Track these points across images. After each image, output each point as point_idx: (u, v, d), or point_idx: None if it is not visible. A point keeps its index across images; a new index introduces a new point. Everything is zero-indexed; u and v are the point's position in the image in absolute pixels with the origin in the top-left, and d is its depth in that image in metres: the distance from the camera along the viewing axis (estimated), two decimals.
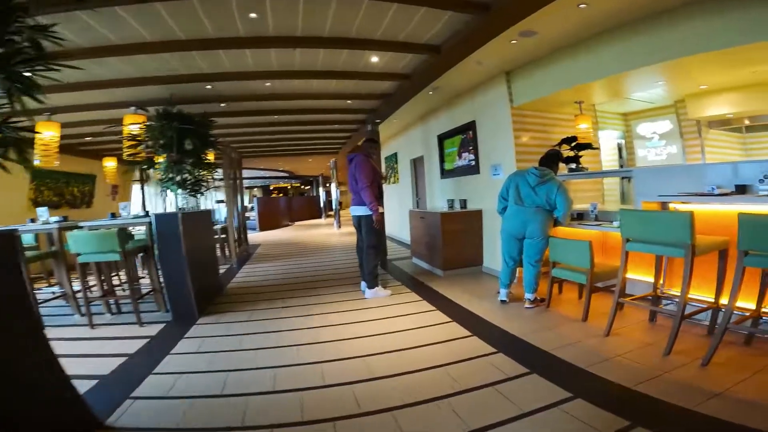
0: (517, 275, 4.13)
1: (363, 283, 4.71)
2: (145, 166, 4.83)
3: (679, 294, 3.29)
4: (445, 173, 6.98)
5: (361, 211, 4.59)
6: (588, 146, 4.75)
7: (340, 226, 14.50)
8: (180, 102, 5.18)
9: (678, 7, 3.20)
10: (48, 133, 4.87)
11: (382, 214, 4.74)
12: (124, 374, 2.84)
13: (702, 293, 3.02)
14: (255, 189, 28.68)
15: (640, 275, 3.63)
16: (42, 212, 4.92)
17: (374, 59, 4.62)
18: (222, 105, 5.99)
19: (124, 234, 3.87)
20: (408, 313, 3.97)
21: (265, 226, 15.65)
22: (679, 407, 2.03)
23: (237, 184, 8.47)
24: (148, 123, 4.77)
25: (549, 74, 4.51)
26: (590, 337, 3.06)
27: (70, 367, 2.08)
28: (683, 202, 3.18)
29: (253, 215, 15.91)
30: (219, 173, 7.46)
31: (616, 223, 3.58)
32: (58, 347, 2.21)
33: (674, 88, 5.48)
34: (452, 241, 5.50)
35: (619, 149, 6.99)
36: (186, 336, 3.60)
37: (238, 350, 3.23)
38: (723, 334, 2.43)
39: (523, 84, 4.88)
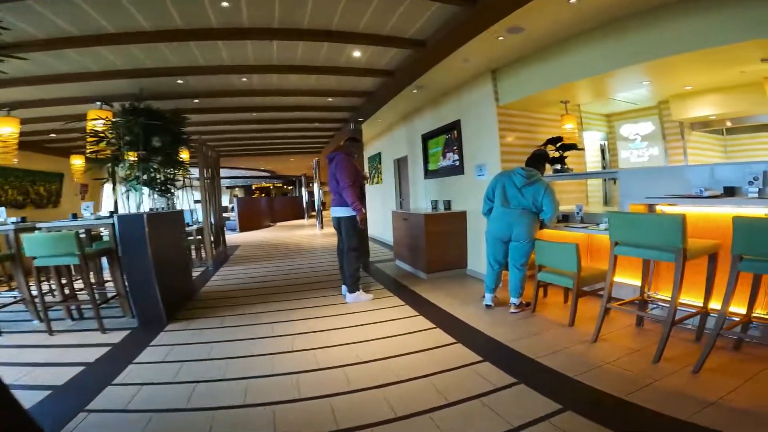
0: (502, 279, 4.02)
1: (344, 287, 4.53)
2: (109, 164, 4.53)
3: (665, 298, 3.25)
4: (429, 173, 6.87)
5: (342, 212, 4.40)
6: (573, 147, 4.69)
7: (322, 227, 14.32)
8: (150, 97, 4.92)
9: (671, 3, 3.13)
10: (6, 129, 4.58)
11: (365, 214, 4.57)
12: (79, 385, 2.64)
13: (689, 297, 2.96)
14: (236, 189, 28.14)
15: (625, 278, 3.57)
16: None
17: (356, 54, 4.45)
18: (196, 101, 5.71)
19: (80, 236, 3.60)
20: (390, 318, 3.81)
21: (245, 226, 15.31)
22: (673, 418, 1.95)
23: (214, 184, 8.16)
24: (114, 119, 4.49)
25: (535, 73, 4.43)
26: (578, 343, 2.96)
27: (21, 376, 1.90)
28: (670, 204, 3.11)
29: (233, 216, 15.56)
30: (196, 173, 7.14)
31: (602, 226, 3.50)
32: (13, 355, 1.99)
33: (659, 89, 5.48)
34: (436, 243, 5.38)
35: (602, 151, 6.99)
36: (152, 344, 3.37)
37: (207, 359, 3.02)
38: (715, 340, 2.35)
39: (509, 83, 4.79)
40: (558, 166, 4.65)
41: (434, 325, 3.53)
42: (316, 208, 15.88)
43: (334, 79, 5.33)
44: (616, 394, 2.20)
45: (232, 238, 12.40)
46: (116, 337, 3.55)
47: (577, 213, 3.96)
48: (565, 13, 3.34)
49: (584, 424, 1.96)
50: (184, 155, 6.73)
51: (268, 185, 29.52)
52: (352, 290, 4.42)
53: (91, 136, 4.46)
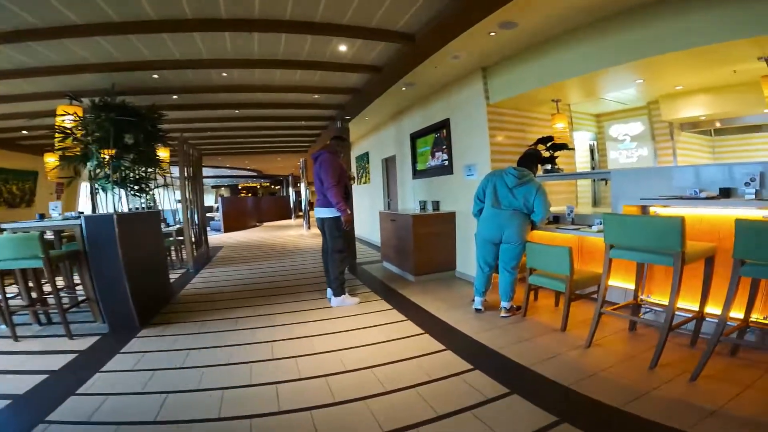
0: (492, 282, 3.90)
1: (329, 290, 4.37)
2: (77, 162, 4.27)
3: (659, 302, 3.17)
4: (417, 173, 6.74)
5: (326, 213, 4.22)
6: (564, 146, 4.61)
7: (309, 227, 14.10)
8: (124, 92, 4.67)
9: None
10: None
11: (351, 215, 4.40)
12: (41, 394, 2.47)
13: (684, 301, 2.87)
14: (222, 188, 27.67)
15: (616, 281, 3.48)
16: None
17: (342, 48, 4.28)
18: (174, 97, 5.48)
19: (44, 238, 3.36)
20: (377, 323, 3.66)
21: (230, 227, 14.98)
22: (675, 429, 1.84)
23: (196, 183, 7.90)
24: (86, 115, 4.24)
25: (526, 71, 4.32)
26: (571, 349, 2.86)
27: None
28: (665, 206, 3.03)
29: (218, 216, 15.21)
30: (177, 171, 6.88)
31: (595, 228, 3.41)
32: None
33: (650, 88, 5.43)
34: (424, 244, 5.25)
35: (591, 151, 6.95)
36: (122, 351, 3.16)
37: (181, 368, 2.83)
38: (715, 346, 2.25)
39: (499, 81, 4.68)
40: (548, 166, 4.56)
41: (422, 331, 3.39)
42: (303, 208, 15.63)
43: (320, 74, 5.15)
44: (613, 404, 2.09)
45: (215, 238, 12.10)
46: (84, 343, 3.34)
47: (569, 214, 3.87)
48: (560, 6, 3.22)
49: None
50: (164, 153, 6.48)
51: (255, 185, 29.13)
52: (337, 294, 4.25)
53: (58, 133, 4.20)
